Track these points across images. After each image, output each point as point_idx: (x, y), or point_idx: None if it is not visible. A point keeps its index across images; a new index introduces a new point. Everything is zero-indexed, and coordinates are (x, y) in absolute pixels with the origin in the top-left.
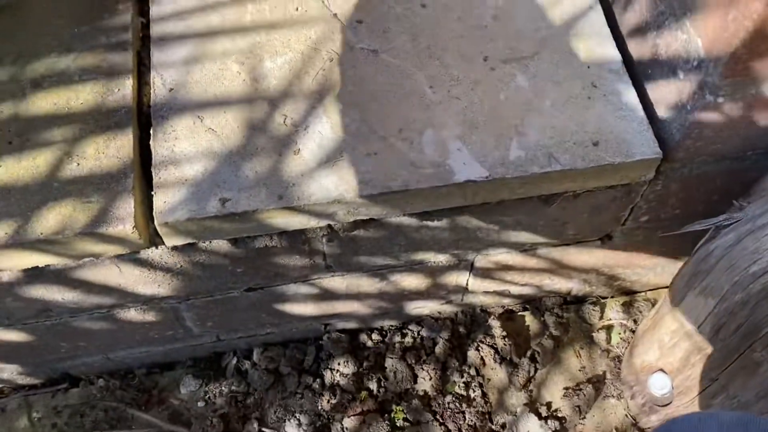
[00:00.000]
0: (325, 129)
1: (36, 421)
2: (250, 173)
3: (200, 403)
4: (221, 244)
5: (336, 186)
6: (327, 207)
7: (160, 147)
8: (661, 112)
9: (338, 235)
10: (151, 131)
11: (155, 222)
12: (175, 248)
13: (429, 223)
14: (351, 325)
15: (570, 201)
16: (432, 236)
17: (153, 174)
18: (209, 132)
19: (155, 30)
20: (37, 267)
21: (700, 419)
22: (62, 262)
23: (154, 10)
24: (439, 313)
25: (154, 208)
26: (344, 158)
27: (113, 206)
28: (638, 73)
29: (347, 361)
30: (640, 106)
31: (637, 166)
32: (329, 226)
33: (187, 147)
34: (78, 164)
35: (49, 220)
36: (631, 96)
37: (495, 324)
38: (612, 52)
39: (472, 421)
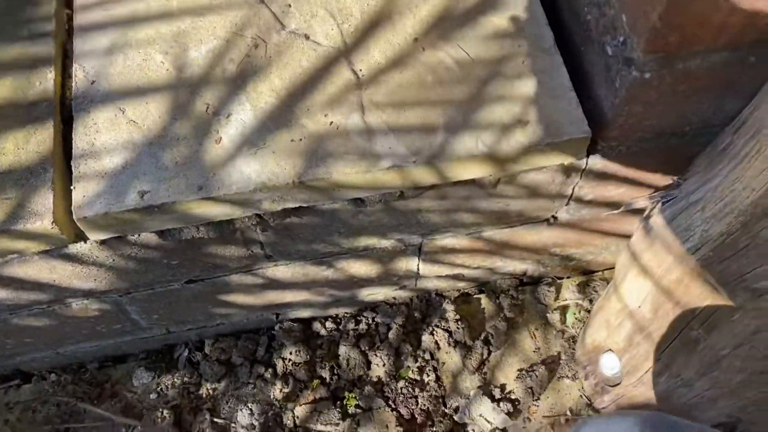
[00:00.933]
0: (248, 116)
1: None
2: (170, 164)
3: (153, 395)
4: (149, 237)
5: (258, 174)
6: (250, 195)
7: (80, 140)
8: (594, 90)
9: (269, 224)
10: (73, 125)
11: (74, 216)
12: (103, 242)
13: (364, 208)
14: (304, 313)
15: (507, 183)
16: (370, 222)
17: (72, 168)
18: (130, 124)
19: (78, 19)
20: None
21: None
22: None
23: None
24: (394, 299)
25: (73, 202)
26: (267, 145)
27: (31, 202)
28: (571, 51)
29: (299, 350)
30: (570, 85)
31: (566, 145)
32: (257, 215)
33: (107, 139)
34: None
35: None
36: (562, 74)
37: (449, 308)
38: (543, 30)
39: (425, 405)
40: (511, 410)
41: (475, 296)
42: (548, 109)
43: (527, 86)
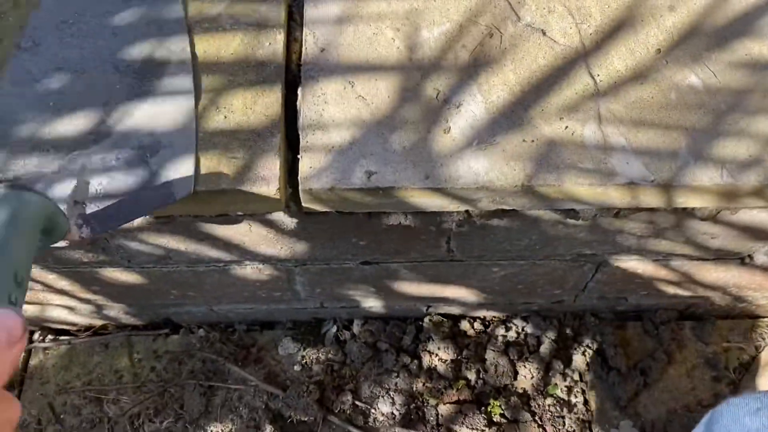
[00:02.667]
0: (479, 109)
1: (136, 362)
2: (398, 147)
3: (296, 367)
4: (355, 216)
5: (486, 171)
6: (473, 192)
7: (308, 110)
8: None
9: (472, 222)
10: (299, 91)
11: (300, 187)
12: (307, 213)
13: (570, 220)
14: (453, 310)
15: (724, 217)
16: (567, 233)
17: (300, 137)
18: (359, 99)
19: None
20: (171, 216)
21: None
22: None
23: None
24: (548, 311)
25: (299, 172)
26: (497, 142)
27: (258, 165)
28: None
29: (447, 347)
30: None
31: None
32: (467, 211)
33: (335, 112)
34: (225, 117)
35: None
36: None
37: (607, 330)
38: None
39: (571, 427)
40: None
41: (631, 323)
42: None
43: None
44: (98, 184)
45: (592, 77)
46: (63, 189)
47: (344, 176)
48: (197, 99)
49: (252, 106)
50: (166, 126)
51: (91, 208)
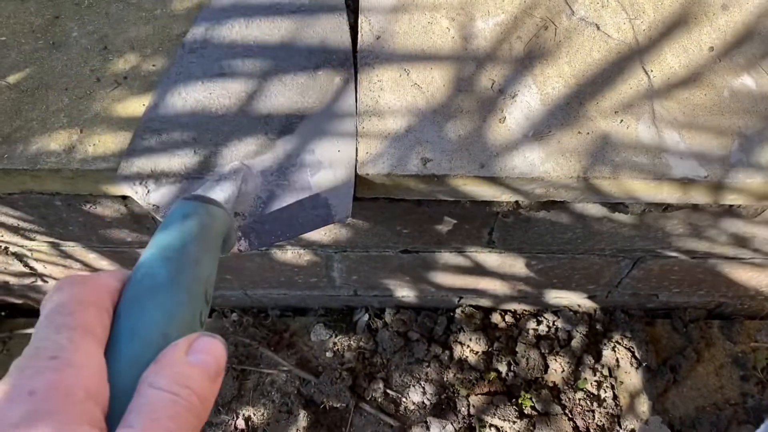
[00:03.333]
0: (534, 100)
1: None
2: (453, 136)
3: (329, 354)
4: (402, 203)
5: (542, 162)
6: (527, 183)
7: (365, 96)
8: None
9: (518, 214)
10: (357, 77)
11: (356, 171)
12: (357, 199)
13: (617, 215)
14: (484, 302)
15: (766, 216)
16: (611, 228)
17: (357, 123)
18: (414, 87)
19: None
20: None
21: None
22: None
23: None
24: (579, 306)
25: (357, 157)
26: (552, 134)
27: None
28: None
29: (479, 339)
30: None
31: None
32: (516, 202)
33: (391, 99)
34: None
35: None
36: None
37: (637, 327)
38: None
39: (601, 421)
40: None
41: (660, 320)
42: None
43: None
44: (259, 197)
45: (646, 73)
46: (224, 197)
47: (400, 162)
48: (357, 122)
49: None
50: (327, 146)
51: (249, 221)
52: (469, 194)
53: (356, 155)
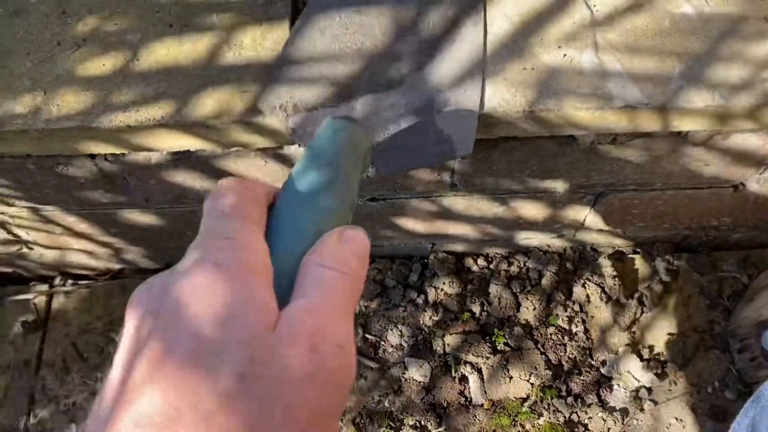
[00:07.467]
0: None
1: None
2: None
3: None
4: None
5: (489, 99)
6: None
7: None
8: None
9: (474, 153)
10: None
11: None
12: None
13: (568, 148)
14: (458, 247)
15: (716, 142)
16: (566, 163)
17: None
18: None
19: None
20: (187, 151)
21: None
22: (210, 149)
23: None
24: (548, 246)
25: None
26: (498, 71)
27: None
28: None
29: (452, 282)
30: None
31: None
32: None
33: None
34: (236, 53)
35: (207, 105)
36: None
37: (605, 263)
38: None
39: (572, 354)
40: (659, 372)
41: (628, 256)
42: None
43: (764, 49)
44: (387, 129)
45: (589, 7)
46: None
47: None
48: (484, 63)
49: (261, 42)
50: (454, 85)
51: (378, 150)
52: None
53: (482, 91)
